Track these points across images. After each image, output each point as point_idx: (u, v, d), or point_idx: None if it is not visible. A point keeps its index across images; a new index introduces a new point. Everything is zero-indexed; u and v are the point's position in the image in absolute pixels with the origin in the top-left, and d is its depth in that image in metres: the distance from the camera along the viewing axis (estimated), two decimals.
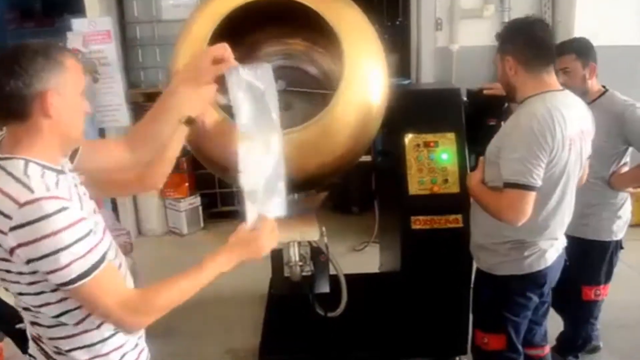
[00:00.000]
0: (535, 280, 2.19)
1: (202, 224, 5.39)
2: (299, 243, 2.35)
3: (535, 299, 2.25)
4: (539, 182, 1.97)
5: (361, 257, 4.43)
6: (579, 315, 2.82)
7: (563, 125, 1.98)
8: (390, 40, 6.00)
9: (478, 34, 4.65)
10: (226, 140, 1.69)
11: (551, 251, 2.18)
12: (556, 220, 2.15)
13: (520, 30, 2.11)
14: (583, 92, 2.52)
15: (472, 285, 2.49)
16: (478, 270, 2.34)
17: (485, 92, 2.80)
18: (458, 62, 4.68)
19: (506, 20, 4.60)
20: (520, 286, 2.19)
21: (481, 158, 2.26)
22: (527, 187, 1.96)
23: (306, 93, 2.29)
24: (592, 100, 2.55)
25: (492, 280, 2.25)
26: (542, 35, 2.08)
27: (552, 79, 2.10)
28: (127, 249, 3.47)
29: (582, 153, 2.13)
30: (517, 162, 1.97)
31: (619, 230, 2.66)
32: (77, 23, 4.70)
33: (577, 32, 4.31)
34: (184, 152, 4.58)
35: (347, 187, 5.10)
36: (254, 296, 3.74)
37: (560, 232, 2.22)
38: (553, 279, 2.26)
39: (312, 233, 2.28)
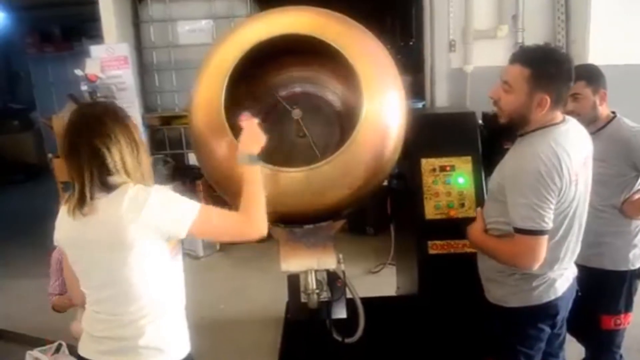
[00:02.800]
0: (546, 311, 2.11)
1: (218, 247, 5.41)
2: (316, 270, 2.34)
3: (548, 330, 2.17)
4: (550, 225, 1.92)
5: (377, 279, 4.41)
6: (600, 343, 2.76)
7: (569, 163, 1.93)
8: (404, 61, 6.03)
9: (492, 55, 4.65)
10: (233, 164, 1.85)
11: (561, 281, 2.11)
12: (564, 251, 2.08)
13: (561, 68, 1.97)
14: (593, 119, 2.50)
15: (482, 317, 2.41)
16: (487, 303, 2.26)
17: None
18: (472, 83, 4.69)
19: (520, 40, 4.62)
20: (531, 318, 2.12)
21: (479, 209, 2.23)
22: (539, 233, 1.91)
23: (322, 119, 2.29)
24: (601, 127, 2.52)
25: (502, 312, 2.18)
26: (571, 72, 1.99)
27: (557, 111, 2.04)
28: None
29: (588, 180, 2.09)
30: (527, 208, 1.91)
31: (636, 258, 2.59)
32: (95, 49, 4.81)
33: (592, 52, 4.32)
34: (200, 175, 4.60)
35: (363, 209, 5.08)
36: (270, 320, 3.73)
37: (570, 262, 2.15)
38: (565, 309, 2.19)
39: (329, 261, 2.27)
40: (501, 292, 2.17)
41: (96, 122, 1.64)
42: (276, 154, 2.22)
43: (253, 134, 1.87)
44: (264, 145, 1.88)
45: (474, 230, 2.19)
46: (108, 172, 1.64)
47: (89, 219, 1.63)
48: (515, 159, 2.04)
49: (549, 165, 1.90)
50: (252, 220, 1.76)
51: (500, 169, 2.12)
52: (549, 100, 1.94)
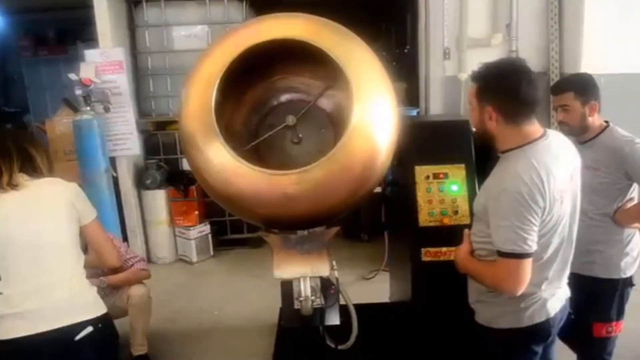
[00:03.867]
0: (537, 332, 2.04)
1: (211, 252, 5.40)
2: (310, 277, 2.34)
3: (540, 351, 2.10)
4: (534, 247, 1.87)
5: (371, 286, 4.41)
6: (592, 351, 2.77)
7: (552, 181, 1.87)
8: (399, 69, 6.06)
9: None
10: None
11: (552, 301, 2.04)
12: (553, 271, 2.02)
13: (502, 81, 1.94)
14: (583, 130, 2.53)
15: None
16: (478, 325, 2.17)
17: None
18: (466, 91, 4.70)
19: (514, 48, 4.66)
20: (523, 340, 2.05)
21: (465, 231, 2.18)
22: (522, 256, 1.86)
23: (316, 127, 2.30)
24: (593, 136, 2.55)
25: (493, 334, 2.10)
26: (526, 89, 1.92)
27: (534, 126, 1.97)
28: (143, 275, 3.48)
29: (576, 194, 2.04)
30: (509, 231, 1.85)
31: (628, 267, 2.61)
32: (89, 54, 4.81)
33: (585, 61, 4.36)
34: (194, 181, 4.60)
35: (357, 215, 5.09)
36: (264, 326, 3.72)
37: (561, 281, 2.08)
38: (556, 329, 2.11)
39: (322, 268, 2.27)
40: (491, 313, 2.11)
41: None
42: (271, 160, 2.23)
43: None
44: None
45: (460, 252, 2.15)
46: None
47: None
48: (496, 179, 1.99)
49: (530, 185, 1.84)
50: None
51: (484, 189, 2.09)
52: (491, 110, 1.94)
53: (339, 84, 2.10)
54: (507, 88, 1.93)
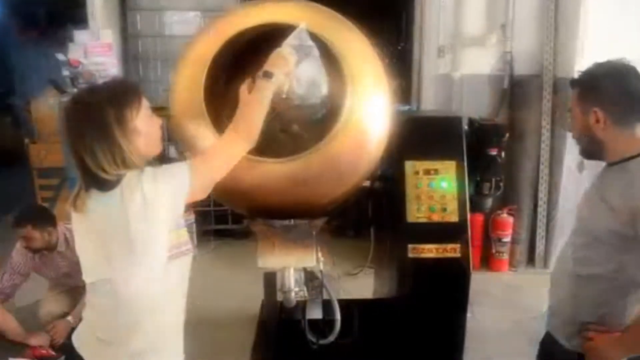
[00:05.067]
0: None
1: (195, 242, 5.33)
2: (294, 269, 2.30)
3: None
4: None
5: (355, 282, 4.38)
6: None
7: None
8: (392, 65, 6.02)
9: (480, 62, 4.68)
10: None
11: None
12: None
13: (613, 77, 1.76)
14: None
15: None
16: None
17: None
18: (459, 89, 4.69)
19: (509, 49, 4.63)
20: None
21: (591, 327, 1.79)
22: None
23: (305, 118, 2.24)
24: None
25: None
26: (637, 84, 1.74)
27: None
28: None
29: None
30: None
31: None
32: (78, 34, 4.72)
33: (580, 63, 4.34)
34: None
35: (344, 210, 5.05)
36: (245, 319, 3.67)
37: None
38: None
39: (308, 259, 2.22)
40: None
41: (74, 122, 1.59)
42: (258, 148, 2.18)
43: (279, 57, 1.81)
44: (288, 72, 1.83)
45: (605, 339, 1.75)
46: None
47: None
48: (627, 194, 1.69)
49: None
50: (240, 134, 1.72)
51: (602, 210, 1.74)
52: (599, 112, 1.75)
53: (334, 72, 2.04)
54: (617, 83, 1.75)
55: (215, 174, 1.70)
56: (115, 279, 1.60)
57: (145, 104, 1.64)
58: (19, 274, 3.33)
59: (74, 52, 4.48)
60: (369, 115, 2.08)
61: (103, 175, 1.53)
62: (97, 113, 1.53)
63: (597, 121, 1.74)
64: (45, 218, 3.26)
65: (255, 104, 1.73)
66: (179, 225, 1.67)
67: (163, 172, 1.61)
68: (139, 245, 1.55)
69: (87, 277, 1.69)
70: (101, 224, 1.58)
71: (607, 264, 1.75)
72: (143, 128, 1.61)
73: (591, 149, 1.83)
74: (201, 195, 1.71)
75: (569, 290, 1.88)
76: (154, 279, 1.62)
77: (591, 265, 1.80)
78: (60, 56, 4.42)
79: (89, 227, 1.62)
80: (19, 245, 3.31)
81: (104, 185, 1.55)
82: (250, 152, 1.81)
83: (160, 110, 5.48)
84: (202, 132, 1.99)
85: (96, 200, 1.57)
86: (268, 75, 1.75)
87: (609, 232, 1.72)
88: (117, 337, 1.66)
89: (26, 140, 5.66)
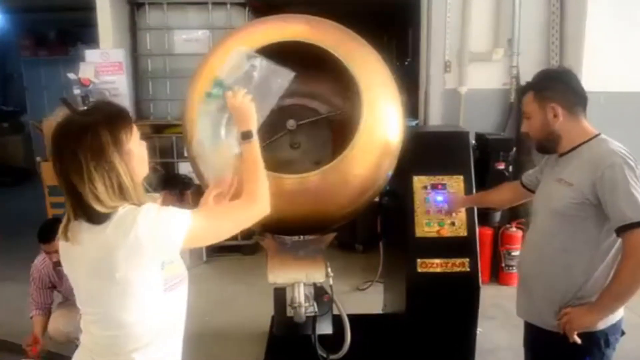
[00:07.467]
0: (619, 326, 1.99)
1: (204, 258, 5.35)
2: (304, 284, 2.31)
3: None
4: None
5: (365, 297, 4.36)
6: None
7: None
8: (399, 81, 6.07)
9: (487, 77, 4.71)
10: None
11: None
12: None
13: (558, 78, 2.08)
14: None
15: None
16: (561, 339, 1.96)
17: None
18: (466, 104, 4.71)
19: (515, 64, 4.66)
20: (614, 337, 1.97)
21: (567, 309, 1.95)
22: None
23: (316, 133, 2.27)
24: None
25: (590, 341, 1.94)
26: (577, 82, 2.05)
27: (589, 123, 2.04)
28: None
29: None
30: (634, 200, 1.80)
31: None
32: (90, 53, 4.79)
33: (585, 78, 4.35)
34: (189, 185, 4.54)
35: (353, 225, 5.06)
36: (254, 334, 3.67)
37: None
38: None
39: (318, 275, 2.24)
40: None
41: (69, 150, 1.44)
42: (270, 164, 2.20)
43: (241, 113, 1.71)
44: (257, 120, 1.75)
45: (580, 311, 1.92)
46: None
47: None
48: (589, 167, 1.91)
49: (629, 155, 1.90)
50: (257, 199, 1.66)
51: (568, 186, 1.96)
52: (555, 106, 2.00)
53: (344, 89, 2.06)
54: (563, 82, 2.04)
55: (221, 234, 1.64)
56: (109, 311, 1.53)
57: (134, 126, 1.56)
58: (45, 288, 3.43)
59: (85, 71, 4.55)
60: (384, 133, 2.10)
61: (97, 207, 1.43)
62: (93, 135, 1.43)
63: (555, 115, 2.00)
64: None
65: (252, 166, 1.69)
66: (174, 260, 1.60)
67: (161, 220, 1.47)
68: (129, 286, 1.49)
69: (81, 305, 1.61)
70: (93, 255, 1.49)
71: (574, 235, 1.95)
72: (136, 150, 1.53)
73: (547, 144, 2.09)
74: (201, 244, 1.69)
75: (542, 272, 2.06)
76: (150, 311, 1.56)
77: (559, 242, 1.99)
78: (72, 75, 4.48)
79: (81, 258, 1.52)
80: (37, 262, 3.37)
81: (96, 217, 1.45)
82: (267, 168, 1.83)
83: (169, 127, 5.51)
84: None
85: (88, 232, 1.48)
86: (247, 136, 1.69)
87: (569, 204, 1.94)
88: None
89: (38, 159, 5.73)
